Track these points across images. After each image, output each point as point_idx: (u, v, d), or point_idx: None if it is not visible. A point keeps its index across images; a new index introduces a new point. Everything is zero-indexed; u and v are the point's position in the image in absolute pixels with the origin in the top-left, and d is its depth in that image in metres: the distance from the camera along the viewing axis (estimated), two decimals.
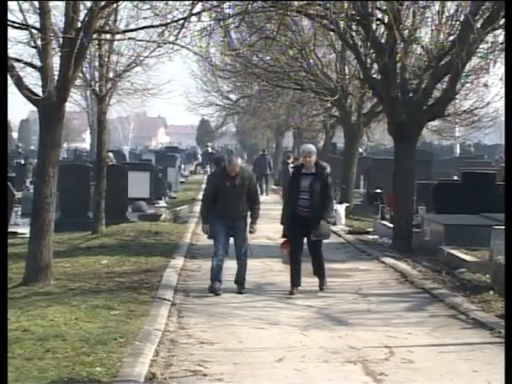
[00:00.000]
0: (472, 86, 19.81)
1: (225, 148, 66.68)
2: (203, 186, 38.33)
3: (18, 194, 21.92)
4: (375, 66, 17.85)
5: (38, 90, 11.46)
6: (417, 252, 14.72)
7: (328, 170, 11.10)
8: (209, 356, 7.67)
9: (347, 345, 8.10)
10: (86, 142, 78.02)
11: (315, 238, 11.06)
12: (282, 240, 11.40)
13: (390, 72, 15.28)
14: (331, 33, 18.74)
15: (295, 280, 11.08)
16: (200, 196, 32.38)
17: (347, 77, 22.39)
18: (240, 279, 11.28)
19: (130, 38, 14.03)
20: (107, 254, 14.44)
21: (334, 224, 10.66)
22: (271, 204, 27.21)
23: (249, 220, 11.43)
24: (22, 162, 34.72)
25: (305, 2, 14.11)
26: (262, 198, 31.22)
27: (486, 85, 18.54)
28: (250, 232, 11.34)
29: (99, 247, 15.55)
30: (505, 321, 5.02)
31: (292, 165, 27.00)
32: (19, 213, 20.74)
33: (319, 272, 11.33)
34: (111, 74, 18.23)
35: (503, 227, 6.44)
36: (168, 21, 11.84)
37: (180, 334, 8.65)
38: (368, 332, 8.71)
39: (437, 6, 15.99)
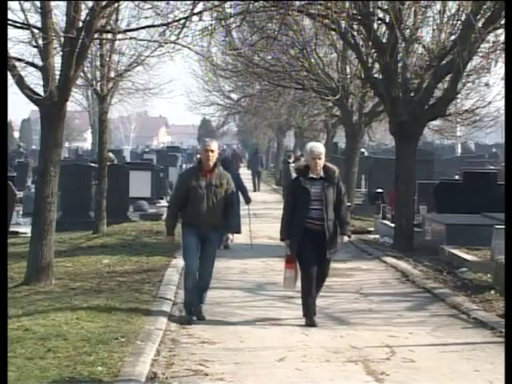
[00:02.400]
0: (473, 86, 19.81)
1: (230, 146, 66.63)
2: None
3: (20, 194, 21.93)
4: (376, 65, 17.86)
5: (40, 90, 11.46)
6: (418, 251, 14.72)
7: (337, 172, 9.28)
8: (210, 355, 7.66)
9: (348, 344, 8.10)
10: (87, 142, 78.02)
11: (330, 255, 9.23)
12: (285, 259, 9.42)
13: (392, 71, 15.28)
14: (332, 32, 18.77)
15: (311, 308, 9.10)
16: None
17: (348, 76, 22.40)
18: (198, 305, 9.37)
19: (131, 38, 14.04)
20: (108, 253, 14.45)
21: (349, 237, 9.47)
22: (273, 203, 27.24)
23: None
24: (23, 161, 34.73)
25: (306, 1, 14.13)
26: (257, 194, 31.38)
27: (487, 84, 18.56)
28: (225, 246, 10.31)
29: (100, 247, 15.56)
30: (505, 320, 5.01)
31: (293, 164, 27.07)
32: (20, 212, 20.79)
33: (318, 290, 9.41)
34: (112, 74, 18.24)
35: (504, 227, 6.43)
36: (169, 20, 11.84)
37: (181, 334, 8.65)
38: (369, 331, 8.71)
39: (438, 6, 16.00)
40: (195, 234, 9.21)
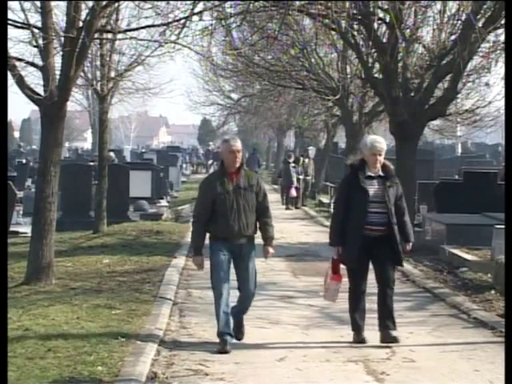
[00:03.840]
0: (473, 86, 19.81)
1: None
2: None
3: (20, 194, 21.93)
4: (377, 65, 17.86)
5: (40, 90, 11.47)
6: (418, 251, 14.67)
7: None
8: (210, 355, 7.66)
9: (349, 344, 8.10)
10: (87, 142, 78.04)
11: (396, 265, 8.17)
12: (331, 268, 8.25)
13: (392, 71, 15.27)
14: (333, 32, 18.75)
15: (360, 323, 8.15)
16: None
17: (349, 76, 22.39)
18: (239, 327, 8.23)
19: (131, 38, 14.05)
20: (109, 253, 14.44)
21: (413, 244, 8.49)
22: (272, 204, 27.24)
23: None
24: (24, 161, 34.74)
25: (306, 1, 14.12)
26: None
27: (487, 84, 18.55)
28: (266, 256, 8.17)
29: (101, 246, 15.56)
30: (505, 320, 5.01)
31: (293, 164, 27.11)
32: (21, 212, 20.79)
33: (389, 314, 8.09)
34: (113, 74, 18.25)
35: (504, 227, 6.43)
36: (169, 20, 11.85)
37: (181, 334, 8.65)
38: (369, 331, 8.69)
39: (438, 6, 15.99)
40: (226, 249, 7.90)
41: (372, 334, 8.51)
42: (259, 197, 8.04)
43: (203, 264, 7.99)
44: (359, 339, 8.08)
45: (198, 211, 8.10)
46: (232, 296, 8.04)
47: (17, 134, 76.41)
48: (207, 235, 8.06)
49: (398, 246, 7.98)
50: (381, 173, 8.07)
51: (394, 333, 7.97)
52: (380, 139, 8.23)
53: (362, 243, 7.87)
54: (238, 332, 8.16)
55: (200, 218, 8.02)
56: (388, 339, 7.93)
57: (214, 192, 7.90)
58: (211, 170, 50.93)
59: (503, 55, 14.89)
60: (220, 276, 7.86)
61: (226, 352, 7.70)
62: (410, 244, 8.22)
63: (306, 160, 28.77)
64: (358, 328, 8.10)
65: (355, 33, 16.68)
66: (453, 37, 15.22)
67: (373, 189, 7.98)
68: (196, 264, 8.10)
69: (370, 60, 18.66)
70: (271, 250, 8.11)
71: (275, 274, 12.70)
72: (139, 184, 23.09)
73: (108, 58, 17.68)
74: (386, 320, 8.00)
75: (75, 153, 47.53)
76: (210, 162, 50.37)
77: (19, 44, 12.15)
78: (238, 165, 7.96)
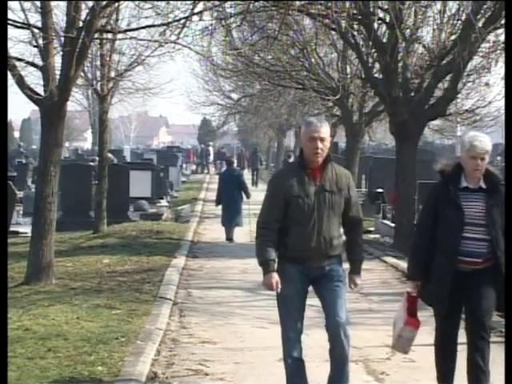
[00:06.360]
0: (474, 85, 19.80)
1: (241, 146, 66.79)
2: (205, 185, 38.89)
3: (20, 194, 21.94)
4: (377, 65, 17.87)
5: (40, 90, 11.47)
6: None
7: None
8: (210, 355, 7.67)
9: None
10: (87, 142, 78.05)
11: (496, 310, 6.16)
12: (405, 307, 6.29)
13: (392, 71, 15.28)
14: (333, 32, 18.77)
15: (451, 377, 6.16)
16: (202, 195, 32.93)
17: (349, 76, 22.38)
18: None
19: (131, 38, 14.05)
20: (109, 253, 14.45)
21: None
22: None
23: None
24: (24, 161, 34.74)
25: (306, 1, 14.12)
26: (256, 194, 31.76)
27: (487, 84, 18.55)
28: (352, 287, 6.12)
29: (101, 246, 15.57)
30: (505, 320, 5.00)
31: None
32: (21, 212, 20.78)
33: (478, 375, 6.06)
34: (113, 74, 18.27)
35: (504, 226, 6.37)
36: (169, 20, 11.85)
37: (181, 334, 8.65)
38: (369, 331, 8.71)
39: (438, 6, 16.00)
40: (300, 274, 5.87)
41: (372, 333, 8.52)
42: (350, 205, 5.94)
43: (278, 284, 5.81)
44: None
45: (267, 217, 5.88)
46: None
47: (17, 134, 76.45)
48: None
49: (498, 288, 5.88)
50: (483, 184, 5.96)
51: None
52: (483, 137, 6.01)
53: (456, 277, 5.87)
54: None
55: (270, 225, 5.85)
56: None
57: (289, 192, 5.80)
58: (214, 170, 51.29)
59: (503, 55, 14.90)
60: (289, 312, 5.92)
61: None
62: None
63: None
64: (447, 381, 6.13)
65: (355, 33, 16.68)
66: (453, 37, 15.23)
67: (468, 206, 5.92)
68: (267, 285, 5.82)
69: (370, 60, 18.66)
70: (358, 281, 6.08)
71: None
72: (139, 184, 23.10)
73: (108, 58, 17.69)
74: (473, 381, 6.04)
75: (75, 153, 47.50)
76: (217, 161, 50.96)
77: (19, 44, 12.18)
78: (320, 158, 5.81)
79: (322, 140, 5.77)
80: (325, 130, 5.80)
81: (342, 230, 5.96)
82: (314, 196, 5.78)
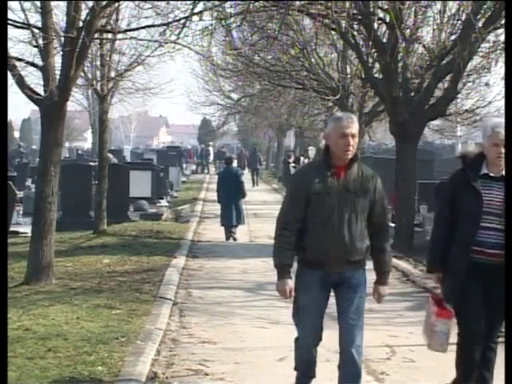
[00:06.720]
0: (474, 85, 19.82)
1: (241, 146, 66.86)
2: (205, 185, 38.90)
3: (20, 194, 21.94)
4: (377, 65, 17.86)
5: (40, 90, 11.47)
6: (418, 251, 14.70)
7: None
8: (210, 355, 7.66)
9: None
10: (87, 142, 78.06)
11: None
12: (434, 303, 5.90)
13: (392, 71, 15.28)
14: (333, 32, 18.76)
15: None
16: (202, 195, 32.96)
17: (349, 76, 22.39)
18: None
19: (131, 38, 14.06)
20: (109, 253, 14.45)
21: None
22: (273, 204, 27.23)
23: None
24: (25, 161, 34.77)
25: (306, 1, 14.12)
26: (257, 194, 31.78)
27: (487, 84, 18.55)
28: (378, 299, 5.75)
29: (101, 246, 15.57)
30: (505, 320, 4.98)
31: (293, 164, 27.13)
32: (21, 212, 20.78)
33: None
34: (113, 74, 18.27)
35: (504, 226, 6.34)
36: (169, 20, 11.86)
37: (181, 334, 8.65)
38: (369, 331, 8.65)
39: (438, 6, 16.01)
40: (320, 281, 5.56)
41: (372, 333, 8.51)
42: (375, 208, 5.58)
43: (292, 292, 5.64)
44: None
45: (287, 217, 5.60)
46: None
47: (17, 134, 76.43)
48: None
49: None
50: (504, 173, 5.61)
51: None
52: (501, 121, 5.71)
53: (471, 269, 5.55)
54: None
55: (290, 226, 5.57)
56: None
57: (310, 189, 5.47)
58: (214, 170, 51.38)
59: (503, 55, 14.90)
60: (308, 317, 5.65)
61: None
62: None
63: (306, 160, 28.79)
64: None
65: (355, 33, 16.68)
66: (453, 37, 15.23)
67: (490, 194, 5.58)
68: (281, 291, 5.65)
69: (370, 60, 18.65)
70: (384, 291, 5.68)
71: (275, 274, 12.69)
72: (139, 184, 23.11)
73: (108, 58, 17.69)
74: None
75: (75, 153, 47.52)
76: (217, 161, 51.21)
77: (19, 44, 12.18)
78: (351, 155, 5.53)
79: (353, 136, 5.51)
80: (355, 126, 5.55)
81: (366, 234, 5.59)
82: (335, 195, 5.45)
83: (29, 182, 27.93)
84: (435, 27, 15.95)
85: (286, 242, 5.58)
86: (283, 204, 5.73)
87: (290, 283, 5.58)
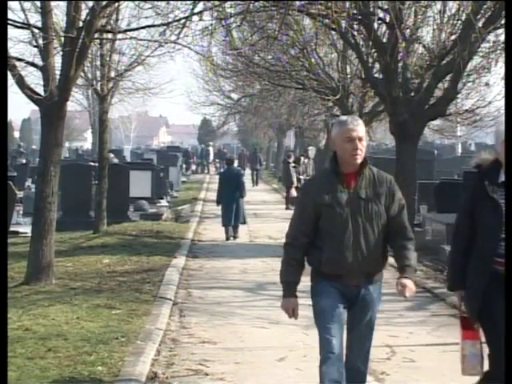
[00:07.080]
0: (474, 85, 19.81)
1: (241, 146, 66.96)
2: (205, 185, 38.88)
3: (20, 194, 21.94)
4: (377, 65, 17.84)
5: (40, 90, 11.48)
6: (418, 251, 14.64)
7: None
8: (210, 355, 7.67)
9: None
10: (87, 142, 78.07)
11: None
12: (460, 323, 5.37)
13: (392, 71, 15.26)
14: (333, 32, 18.75)
15: None
16: (202, 195, 32.95)
17: (349, 76, 22.38)
18: None
19: (131, 38, 14.05)
20: (109, 253, 14.45)
21: None
22: (273, 204, 27.26)
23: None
24: (24, 161, 34.76)
25: (306, 1, 14.11)
26: (257, 194, 31.78)
27: (487, 84, 18.55)
28: (401, 292, 5.28)
29: (101, 246, 15.57)
30: (505, 320, 4.98)
31: (293, 164, 27.10)
32: (21, 212, 20.78)
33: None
34: (113, 74, 18.28)
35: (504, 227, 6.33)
36: (169, 20, 11.86)
37: (181, 334, 8.65)
38: None
39: (438, 6, 15.99)
40: (337, 291, 5.29)
41: None
42: (392, 210, 5.31)
43: (297, 311, 5.38)
44: None
45: (294, 230, 5.37)
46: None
47: (17, 134, 76.40)
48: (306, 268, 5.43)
49: None
50: None
51: None
52: None
53: (492, 280, 5.05)
54: None
55: (296, 241, 5.33)
56: None
57: (318, 201, 5.21)
58: (214, 170, 51.37)
59: (503, 55, 14.90)
60: (329, 325, 5.31)
61: None
62: None
63: (306, 160, 28.78)
64: None
65: (355, 33, 16.67)
66: (453, 37, 15.21)
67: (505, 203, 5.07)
68: (285, 309, 5.39)
69: (370, 60, 18.64)
70: (411, 285, 5.23)
71: (275, 273, 12.65)
72: (139, 184, 23.11)
73: (108, 58, 17.70)
74: None
75: (75, 153, 47.51)
76: (217, 161, 51.32)
77: (19, 44, 12.18)
78: (360, 160, 5.21)
79: (360, 139, 5.17)
80: (362, 129, 5.21)
81: (383, 242, 5.31)
82: (347, 205, 5.17)
83: (29, 182, 27.95)
84: (435, 27, 15.94)
85: (291, 258, 5.36)
86: (292, 216, 5.50)
87: (294, 302, 5.36)
